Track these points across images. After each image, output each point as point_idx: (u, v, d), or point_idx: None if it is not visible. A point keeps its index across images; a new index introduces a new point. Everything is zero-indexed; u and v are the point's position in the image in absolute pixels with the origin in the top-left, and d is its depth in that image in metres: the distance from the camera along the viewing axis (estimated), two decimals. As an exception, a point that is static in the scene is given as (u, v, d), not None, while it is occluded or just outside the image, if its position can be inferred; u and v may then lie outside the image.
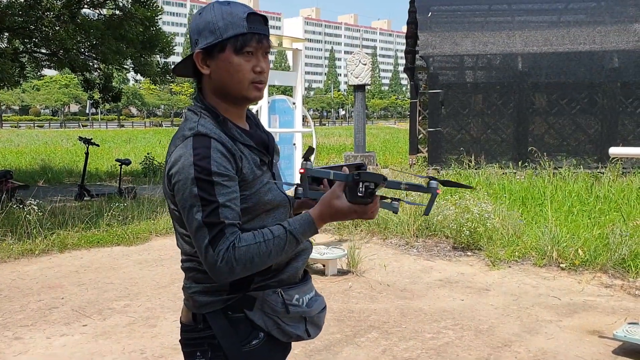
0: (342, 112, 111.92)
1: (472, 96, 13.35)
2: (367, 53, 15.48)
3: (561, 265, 5.91)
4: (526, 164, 11.81)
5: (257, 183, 1.53)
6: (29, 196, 8.29)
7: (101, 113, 70.43)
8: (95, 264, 6.16)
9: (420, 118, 15.39)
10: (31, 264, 6.20)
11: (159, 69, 12.97)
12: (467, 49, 12.93)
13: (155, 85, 13.99)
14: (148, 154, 15.33)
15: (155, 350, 3.89)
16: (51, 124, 69.73)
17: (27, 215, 7.17)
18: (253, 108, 6.22)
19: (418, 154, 15.16)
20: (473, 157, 11.93)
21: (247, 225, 1.52)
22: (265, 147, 1.63)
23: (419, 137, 15.55)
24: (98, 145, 12.62)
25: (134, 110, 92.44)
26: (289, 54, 6.43)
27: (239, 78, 1.53)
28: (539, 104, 13.10)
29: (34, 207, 7.28)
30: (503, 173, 10.87)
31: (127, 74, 14.47)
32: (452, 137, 12.98)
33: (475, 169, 11.20)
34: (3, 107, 77.65)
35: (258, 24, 1.53)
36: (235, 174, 1.48)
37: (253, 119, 1.70)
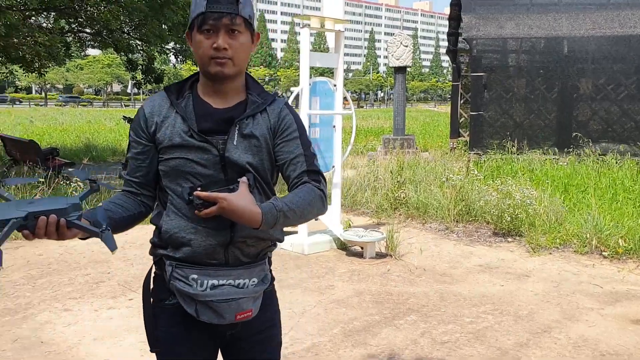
0: (380, 94, 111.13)
1: (516, 80, 13.07)
2: (407, 34, 15.31)
3: (603, 253, 5.81)
4: (569, 150, 11.56)
5: (176, 151, 1.65)
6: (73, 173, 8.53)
7: (143, 93, 71.48)
8: (140, 240, 6.32)
9: (462, 101, 15.18)
10: (77, 239, 6.39)
11: None
12: (511, 31, 12.64)
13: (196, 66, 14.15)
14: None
15: (198, 326, 3.99)
16: (94, 104, 71.23)
17: (74, 192, 7.40)
18: (295, 90, 6.26)
19: (459, 138, 14.97)
20: (515, 142, 11.74)
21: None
22: (224, 122, 1.67)
23: (460, 120, 15.35)
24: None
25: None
26: (329, 36, 6.40)
27: (200, 54, 1.65)
28: (584, 89, 12.74)
29: (80, 184, 7.51)
30: (546, 159, 10.67)
31: (169, 56, 14.63)
32: (494, 121, 12.77)
33: (517, 154, 11.02)
34: (48, 86, 79.57)
35: (219, 3, 1.60)
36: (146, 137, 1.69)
37: (253, 103, 1.72)
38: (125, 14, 11.22)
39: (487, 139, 12.44)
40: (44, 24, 12.91)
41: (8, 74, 15.44)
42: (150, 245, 1.76)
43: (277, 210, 1.57)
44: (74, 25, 12.89)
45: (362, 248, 5.93)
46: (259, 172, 1.68)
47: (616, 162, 9.86)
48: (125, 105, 68.44)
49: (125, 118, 11.82)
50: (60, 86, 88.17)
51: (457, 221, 7.10)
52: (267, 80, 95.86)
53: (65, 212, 1.43)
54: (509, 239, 6.50)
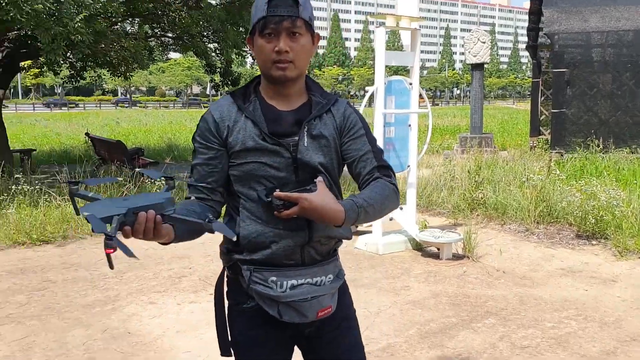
0: (456, 92, 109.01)
1: (601, 75, 12.46)
2: (485, 30, 14.95)
3: (700, 258, 5.46)
4: (661, 148, 10.92)
5: (249, 155, 1.65)
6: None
7: (221, 95, 73.55)
8: (220, 237, 6.50)
9: (542, 98, 14.66)
10: (158, 244, 6.66)
11: None
12: (596, 25, 12.07)
13: None
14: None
15: (276, 322, 4.08)
16: (175, 105, 73.88)
17: (157, 190, 7.72)
18: (370, 89, 6.26)
19: (539, 137, 14.47)
20: (600, 140, 11.22)
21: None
22: (292, 124, 1.67)
23: (541, 118, 14.82)
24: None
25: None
26: (404, 34, 6.34)
27: (262, 58, 1.65)
28: (678, 84, 12.00)
29: (164, 182, 7.82)
30: (634, 158, 10.13)
31: (246, 58, 14.97)
32: (577, 118, 12.24)
33: (602, 153, 10.53)
34: (132, 89, 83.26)
35: (279, 7, 1.59)
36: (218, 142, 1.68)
37: (315, 105, 1.72)
38: (205, 20, 11.57)
39: (570, 137, 11.94)
40: (129, 29, 13.53)
41: (96, 78, 16.27)
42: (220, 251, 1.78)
43: (357, 207, 1.57)
44: (156, 30, 13.44)
45: (438, 249, 5.85)
46: (329, 172, 1.69)
47: None
48: (204, 106, 70.56)
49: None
50: (144, 88, 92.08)
51: (537, 222, 6.87)
52: (340, 79, 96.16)
53: (162, 207, 1.41)
54: (594, 242, 6.23)
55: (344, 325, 1.82)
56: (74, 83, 12.84)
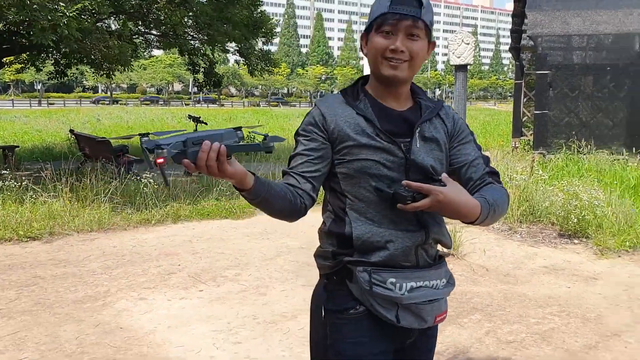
0: (438, 92, 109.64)
1: (582, 78, 12.71)
2: (468, 32, 15.10)
3: (677, 257, 5.62)
4: (640, 150, 11.17)
5: (362, 152, 1.60)
6: (143, 170, 8.89)
7: (203, 92, 73.14)
8: (206, 234, 6.55)
9: (525, 100, 14.87)
10: (148, 232, 6.68)
11: (259, 54, 13.39)
12: (578, 28, 12.30)
13: (253, 76, 14.43)
14: (250, 132, 15.85)
15: (267, 317, 4.13)
16: (157, 102, 73.37)
17: (144, 188, 7.73)
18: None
19: (522, 137, 14.68)
20: (582, 141, 11.43)
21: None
22: (403, 125, 1.64)
23: (523, 119, 15.04)
24: (206, 124, 13.20)
25: (233, 90, 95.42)
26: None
27: (374, 54, 1.61)
28: (656, 87, 12.27)
29: (150, 180, 7.83)
30: (614, 159, 10.34)
31: (228, 55, 14.92)
32: (559, 120, 12.46)
33: (584, 154, 10.73)
34: (113, 86, 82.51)
35: (402, 4, 1.55)
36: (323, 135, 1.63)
37: (426, 108, 1.70)
38: (191, 17, 11.54)
39: (552, 138, 12.16)
40: (113, 26, 13.44)
41: (78, 75, 16.15)
42: (319, 257, 1.71)
43: (489, 205, 1.54)
44: (140, 27, 13.36)
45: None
46: (439, 175, 1.60)
47: (690, 163, 9.46)
48: (186, 104, 70.15)
49: (190, 117, 12.18)
50: (125, 85, 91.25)
51: (520, 222, 7.00)
52: (323, 78, 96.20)
53: (222, 138, 1.36)
54: (575, 241, 6.37)
55: (431, 343, 1.80)
56: (58, 79, 12.72)
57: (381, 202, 1.58)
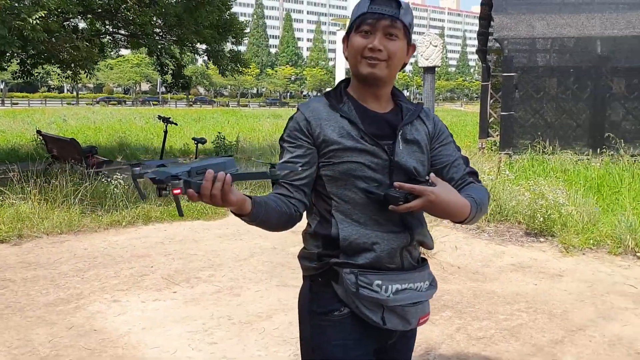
0: (406, 94, 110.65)
1: (547, 80, 13.02)
2: (435, 34, 15.33)
3: (638, 254, 5.83)
4: (603, 150, 11.49)
5: (346, 154, 1.62)
6: (113, 171, 8.80)
7: (171, 92, 72.44)
8: (179, 236, 6.53)
9: (491, 101, 15.15)
10: (119, 234, 6.63)
11: (229, 56, 13.35)
12: (543, 31, 12.60)
13: (224, 76, 14.37)
14: (219, 133, 15.78)
15: (242, 317, 4.16)
16: (125, 102, 72.36)
17: (115, 189, 7.66)
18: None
19: (488, 138, 14.95)
20: (547, 142, 11.71)
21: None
22: (385, 127, 1.67)
23: (490, 120, 15.31)
24: (176, 124, 13.10)
25: (201, 90, 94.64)
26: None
27: (354, 54, 1.64)
28: (617, 89, 12.64)
29: (120, 181, 7.76)
30: (578, 159, 10.63)
31: (196, 55, 14.80)
32: (525, 121, 12.75)
33: (549, 155, 11.00)
34: (79, 86, 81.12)
35: (381, 5, 1.60)
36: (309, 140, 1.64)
37: (406, 111, 1.73)
38: (160, 17, 11.44)
39: (518, 139, 12.43)
40: (80, 26, 13.24)
41: (44, 74, 15.86)
42: (303, 258, 1.73)
43: (476, 204, 1.57)
44: (108, 27, 13.18)
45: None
46: (421, 176, 1.66)
47: (650, 163, 9.78)
48: (154, 104, 69.26)
49: (160, 117, 12.07)
50: (91, 85, 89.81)
51: (488, 221, 7.16)
52: (293, 79, 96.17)
53: (224, 167, 1.37)
54: (541, 239, 6.55)
55: (411, 343, 1.84)
56: (23, 79, 12.48)
57: (367, 204, 1.62)
